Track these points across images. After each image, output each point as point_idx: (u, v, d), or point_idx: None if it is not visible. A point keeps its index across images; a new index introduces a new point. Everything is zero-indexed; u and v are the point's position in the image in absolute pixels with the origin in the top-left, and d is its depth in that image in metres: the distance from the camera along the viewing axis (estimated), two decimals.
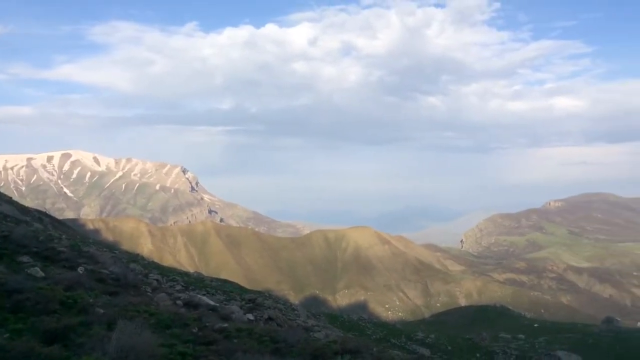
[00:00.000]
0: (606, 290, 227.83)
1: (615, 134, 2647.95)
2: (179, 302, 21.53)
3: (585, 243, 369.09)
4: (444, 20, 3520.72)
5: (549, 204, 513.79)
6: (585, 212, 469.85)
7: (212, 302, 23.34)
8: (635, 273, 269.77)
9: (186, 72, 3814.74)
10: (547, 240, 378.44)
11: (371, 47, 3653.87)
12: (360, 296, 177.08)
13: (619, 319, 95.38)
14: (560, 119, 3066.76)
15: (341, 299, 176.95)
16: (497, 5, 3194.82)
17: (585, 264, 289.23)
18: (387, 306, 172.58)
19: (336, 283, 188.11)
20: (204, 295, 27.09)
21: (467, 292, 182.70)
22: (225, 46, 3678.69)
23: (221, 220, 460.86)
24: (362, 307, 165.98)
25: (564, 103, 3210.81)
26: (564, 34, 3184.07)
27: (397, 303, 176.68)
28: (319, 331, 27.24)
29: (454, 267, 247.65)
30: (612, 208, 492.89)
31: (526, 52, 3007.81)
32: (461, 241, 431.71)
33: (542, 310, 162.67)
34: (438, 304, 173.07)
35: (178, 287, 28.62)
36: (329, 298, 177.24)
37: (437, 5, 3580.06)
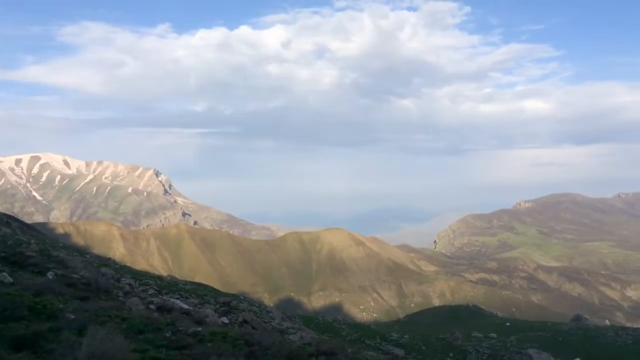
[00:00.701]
0: (575, 289, 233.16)
1: (582, 135, 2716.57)
2: (152, 306, 21.28)
3: (554, 243, 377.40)
4: (416, 23, 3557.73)
5: (520, 204, 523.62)
6: (554, 213, 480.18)
7: (185, 306, 23.14)
8: (602, 272, 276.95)
9: (159, 73, 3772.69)
10: (518, 240, 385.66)
11: (345, 49, 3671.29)
12: (335, 298, 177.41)
13: (587, 317, 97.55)
14: (530, 121, 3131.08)
15: (316, 301, 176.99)
16: (468, 9, 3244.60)
17: (554, 263, 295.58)
18: (361, 307, 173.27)
19: (311, 285, 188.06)
20: (177, 299, 26.83)
21: (440, 292, 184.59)
22: (199, 48, 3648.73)
23: (195, 223, 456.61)
24: (337, 308, 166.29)
25: (534, 105, 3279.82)
26: (533, 37, 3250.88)
27: (372, 304, 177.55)
28: (294, 333, 27.25)
29: (428, 268, 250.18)
30: (579, 208, 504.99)
31: (497, 56, 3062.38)
32: (434, 242, 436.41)
33: (514, 309, 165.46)
34: (412, 305, 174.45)
35: (151, 291, 28.28)
36: (304, 300, 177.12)
37: (409, 9, 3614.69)
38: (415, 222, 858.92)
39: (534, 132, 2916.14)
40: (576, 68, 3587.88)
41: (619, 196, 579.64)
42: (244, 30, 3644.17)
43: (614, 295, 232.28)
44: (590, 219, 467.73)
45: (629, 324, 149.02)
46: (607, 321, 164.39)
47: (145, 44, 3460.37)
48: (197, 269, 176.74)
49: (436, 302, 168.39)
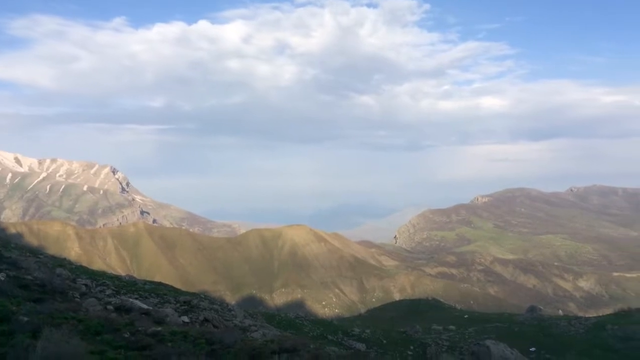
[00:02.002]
0: (530, 281, 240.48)
1: (537, 132, 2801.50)
2: (109, 307, 20.83)
3: (510, 236, 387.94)
4: (376, 20, 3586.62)
5: (477, 199, 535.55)
6: (509, 207, 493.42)
7: (145, 306, 22.74)
8: (556, 263, 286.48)
9: (114, 68, 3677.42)
10: (475, 234, 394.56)
11: (306, 45, 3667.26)
12: (297, 294, 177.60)
13: (541, 308, 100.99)
14: (487, 117, 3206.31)
15: (278, 298, 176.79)
16: (427, 6, 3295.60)
17: (510, 256, 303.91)
18: (323, 303, 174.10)
19: (273, 282, 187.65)
20: (136, 299, 26.35)
21: (401, 286, 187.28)
22: (156, 42, 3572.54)
23: (154, 221, 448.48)
24: (299, 305, 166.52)
25: (490, 102, 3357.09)
26: (489, 35, 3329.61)
27: (334, 300, 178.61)
28: (256, 331, 27.17)
29: (389, 263, 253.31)
30: (534, 202, 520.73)
31: (455, 53, 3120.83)
32: (395, 237, 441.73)
33: (472, 302, 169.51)
34: (373, 299, 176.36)
35: (109, 292, 27.68)
36: (266, 297, 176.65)
37: (369, 5, 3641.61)
38: (376, 217, 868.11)
39: (491, 129, 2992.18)
40: (531, 66, 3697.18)
41: (571, 190, 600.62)
42: (202, 24, 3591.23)
43: (567, 286, 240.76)
44: (544, 213, 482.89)
45: (581, 314, 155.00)
46: (560, 311, 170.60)
47: (100, 38, 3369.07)
48: (157, 268, 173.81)
49: (397, 297, 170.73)
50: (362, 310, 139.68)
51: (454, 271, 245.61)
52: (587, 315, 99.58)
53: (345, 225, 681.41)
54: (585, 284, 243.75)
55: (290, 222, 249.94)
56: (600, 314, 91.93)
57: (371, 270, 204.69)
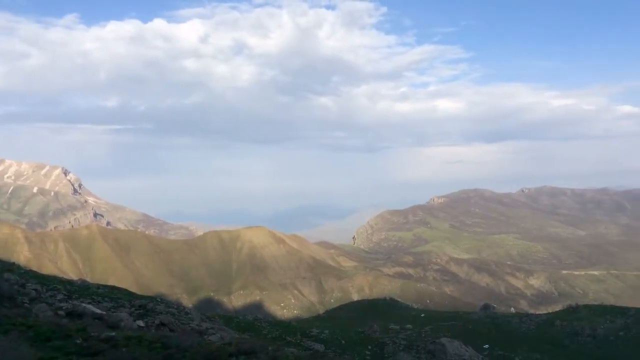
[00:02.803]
0: (483, 279, 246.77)
1: (490, 134, 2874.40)
2: (61, 312, 20.23)
3: (465, 236, 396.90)
4: (334, 22, 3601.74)
5: (433, 200, 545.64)
6: (464, 207, 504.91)
7: (98, 311, 22.18)
8: (508, 262, 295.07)
9: (66, 66, 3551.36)
10: (432, 235, 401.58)
11: (264, 46, 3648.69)
12: (255, 296, 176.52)
13: (494, 306, 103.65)
14: (443, 120, 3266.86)
15: (236, 300, 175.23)
16: (384, 9, 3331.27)
17: (465, 256, 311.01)
18: (282, 305, 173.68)
19: (231, 284, 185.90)
20: (89, 303, 25.66)
21: (359, 287, 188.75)
22: (110, 40, 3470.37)
23: (108, 223, 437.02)
24: (257, 307, 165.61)
25: (446, 105, 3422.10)
26: (444, 39, 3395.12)
27: (293, 301, 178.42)
28: (214, 334, 26.91)
29: (347, 264, 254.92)
30: (487, 203, 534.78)
31: (411, 56, 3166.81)
32: (353, 238, 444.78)
33: (428, 301, 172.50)
34: (332, 300, 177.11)
35: (60, 297, 26.87)
36: (224, 299, 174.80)
37: (327, 7, 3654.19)
38: (335, 218, 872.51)
39: (447, 131, 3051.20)
40: (484, 70, 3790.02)
41: (523, 191, 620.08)
42: (158, 23, 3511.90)
43: (519, 284, 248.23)
44: (497, 213, 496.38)
45: (532, 311, 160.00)
46: (512, 309, 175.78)
47: (51, 35, 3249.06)
48: (111, 272, 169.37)
49: (355, 297, 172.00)
50: (321, 311, 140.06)
51: (411, 271, 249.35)
52: (537, 312, 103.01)
53: (304, 227, 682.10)
54: (535, 282, 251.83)
55: (248, 224, 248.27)
56: (550, 311, 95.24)
57: (330, 271, 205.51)
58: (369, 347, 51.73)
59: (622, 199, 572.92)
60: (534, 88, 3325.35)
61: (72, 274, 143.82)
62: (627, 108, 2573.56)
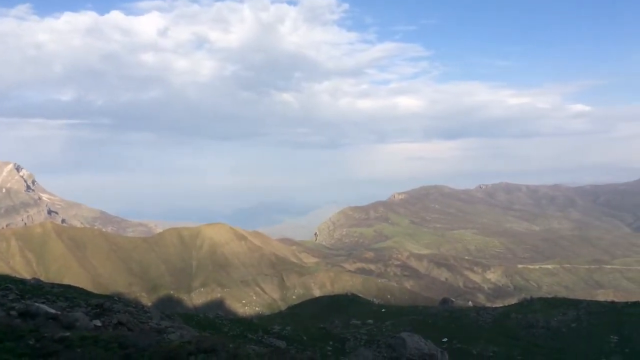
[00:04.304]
0: (443, 274, 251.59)
1: (449, 131, 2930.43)
2: (13, 312, 19.54)
3: (425, 232, 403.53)
4: (296, 18, 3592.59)
5: (394, 196, 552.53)
6: (424, 204, 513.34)
7: (52, 311, 21.52)
8: (466, 257, 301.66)
9: (17, 59, 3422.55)
10: (393, 231, 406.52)
11: (225, 40, 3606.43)
12: (216, 293, 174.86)
13: (453, 300, 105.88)
14: (403, 117, 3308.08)
15: (197, 298, 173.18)
16: (346, 6, 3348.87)
17: (425, 251, 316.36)
18: (244, 302, 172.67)
19: (192, 282, 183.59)
20: (43, 303, 24.88)
21: (321, 283, 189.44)
22: (65, 32, 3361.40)
23: (63, 221, 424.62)
24: (218, 304, 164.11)
25: (406, 102, 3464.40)
26: (405, 37, 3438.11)
27: (254, 298, 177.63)
28: (173, 332, 26.50)
29: (309, 260, 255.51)
30: (446, 199, 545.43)
31: (372, 53, 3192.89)
32: (315, 234, 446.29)
33: (389, 296, 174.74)
34: (294, 297, 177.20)
35: (12, 296, 25.99)
36: (184, 297, 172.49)
37: (289, 3, 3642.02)
38: (297, 215, 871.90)
39: (407, 128, 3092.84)
40: (444, 68, 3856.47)
41: (480, 187, 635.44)
42: (115, 15, 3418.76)
43: (476, 278, 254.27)
44: (456, 209, 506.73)
45: (489, 304, 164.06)
46: (470, 302, 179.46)
47: (2, 25, 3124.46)
48: (66, 271, 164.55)
49: (317, 293, 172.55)
50: (283, 308, 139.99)
51: (372, 267, 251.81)
52: (494, 306, 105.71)
53: (266, 223, 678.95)
54: (492, 276, 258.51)
55: (209, 221, 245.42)
56: (506, 304, 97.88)
57: (292, 268, 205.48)
58: (331, 343, 52.02)
59: (573, 194, 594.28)
60: (491, 87, 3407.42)
61: (25, 273, 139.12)
62: (579, 107, 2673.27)
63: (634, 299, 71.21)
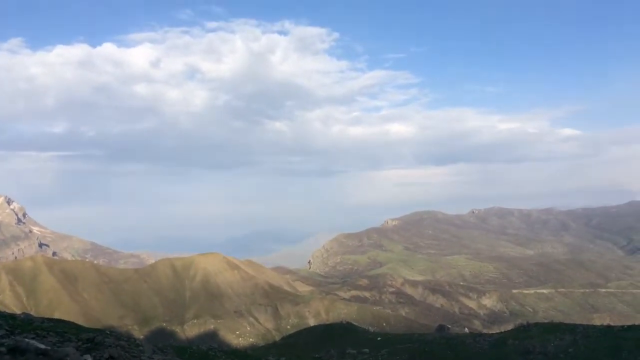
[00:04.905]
0: (438, 300, 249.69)
1: (440, 157, 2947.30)
2: (2, 348, 19.23)
3: (419, 258, 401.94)
4: (287, 47, 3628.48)
5: (387, 222, 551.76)
6: (417, 229, 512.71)
7: (42, 346, 21.17)
8: (461, 283, 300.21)
9: (9, 91, 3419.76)
10: (387, 257, 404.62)
11: (217, 71, 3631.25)
12: (210, 325, 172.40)
13: (449, 326, 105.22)
14: (395, 143, 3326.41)
15: (190, 330, 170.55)
16: (336, 35, 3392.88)
17: (419, 277, 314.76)
18: (237, 333, 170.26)
19: (184, 313, 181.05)
20: (32, 338, 24.49)
21: (315, 312, 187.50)
22: (57, 65, 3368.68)
23: (54, 254, 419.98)
24: (212, 335, 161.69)
25: (398, 129, 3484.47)
26: (395, 65, 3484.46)
27: (248, 329, 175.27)
28: None
29: (303, 288, 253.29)
30: (439, 224, 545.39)
31: (363, 81, 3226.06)
32: (309, 262, 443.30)
33: (384, 324, 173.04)
34: (288, 326, 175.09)
35: (1, 332, 25.59)
36: (177, 329, 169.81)
37: (280, 33, 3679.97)
38: (290, 243, 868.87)
39: (399, 154, 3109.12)
40: (434, 94, 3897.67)
41: (473, 212, 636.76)
42: (107, 47, 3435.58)
43: (472, 304, 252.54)
44: (449, 234, 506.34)
45: (485, 330, 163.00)
46: (466, 329, 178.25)
47: None
48: (57, 304, 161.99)
49: (312, 322, 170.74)
50: (277, 338, 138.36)
51: (366, 294, 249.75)
52: (490, 332, 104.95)
53: (260, 252, 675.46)
54: (488, 301, 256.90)
55: (202, 251, 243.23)
56: (502, 330, 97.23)
57: (286, 297, 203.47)
58: None
59: (566, 218, 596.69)
60: (481, 112, 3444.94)
61: (15, 308, 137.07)
62: (568, 131, 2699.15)
63: (629, 323, 71.02)
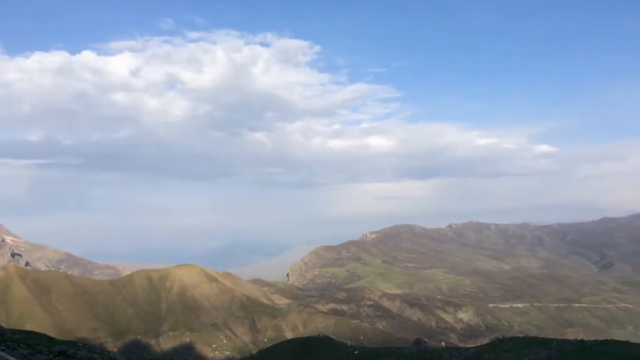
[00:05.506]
0: (415, 314, 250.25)
1: (420, 171, 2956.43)
2: None
3: (397, 271, 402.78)
4: (269, 59, 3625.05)
5: (366, 235, 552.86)
6: (396, 243, 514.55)
7: (13, 358, 20.81)
8: (438, 297, 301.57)
9: None
10: (365, 270, 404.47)
11: (197, 81, 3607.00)
12: (185, 338, 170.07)
13: (426, 340, 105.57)
14: (375, 156, 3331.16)
15: (165, 343, 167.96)
16: (318, 48, 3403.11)
17: (397, 291, 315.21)
18: (214, 346, 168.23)
19: (160, 326, 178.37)
20: (2, 350, 24.03)
21: (293, 325, 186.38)
22: (34, 72, 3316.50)
23: (27, 264, 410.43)
24: (187, 349, 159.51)
25: (378, 142, 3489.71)
26: (376, 78, 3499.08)
27: (225, 342, 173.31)
28: None
29: (281, 301, 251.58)
30: (418, 238, 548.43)
31: (344, 94, 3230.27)
32: (287, 275, 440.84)
33: (362, 337, 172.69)
34: (265, 340, 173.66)
35: None
36: (152, 342, 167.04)
37: (262, 44, 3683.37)
38: (269, 255, 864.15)
39: (379, 167, 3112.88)
40: (414, 109, 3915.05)
41: (450, 226, 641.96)
42: (87, 55, 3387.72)
43: (449, 318, 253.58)
44: (427, 248, 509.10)
45: (461, 344, 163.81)
46: (443, 343, 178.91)
47: None
48: (29, 316, 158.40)
49: (289, 335, 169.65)
50: (254, 351, 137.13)
51: (344, 307, 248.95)
52: (466, 346, 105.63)
53: (237, 264, 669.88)
54: (464, 315, 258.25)
55: (179, 262, 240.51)
56: (478, 344, 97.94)
57: (263, 310, 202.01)
58: None
59: (541, 233, 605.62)
60: (459, 127, 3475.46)
61: None
62: (544, 147, 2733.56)
63: (602, 337, 72.14)
